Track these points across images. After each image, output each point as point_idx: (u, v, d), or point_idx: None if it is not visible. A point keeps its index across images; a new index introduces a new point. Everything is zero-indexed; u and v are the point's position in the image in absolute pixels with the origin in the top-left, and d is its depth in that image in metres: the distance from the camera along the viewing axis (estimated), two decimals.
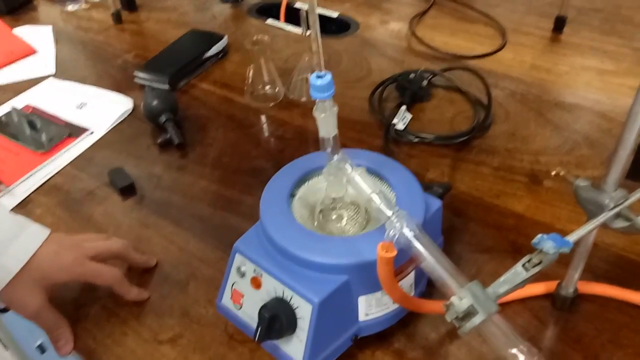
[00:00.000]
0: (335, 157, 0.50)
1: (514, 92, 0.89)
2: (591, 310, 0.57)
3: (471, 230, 0.67)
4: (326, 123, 0.48)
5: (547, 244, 0.41)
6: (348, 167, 0.49)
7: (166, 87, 0.93)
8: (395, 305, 0.54)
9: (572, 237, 0.44)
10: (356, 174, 0.48)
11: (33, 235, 0.57)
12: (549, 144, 0.78)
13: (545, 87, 0.90)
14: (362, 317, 0.53)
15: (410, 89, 0.87)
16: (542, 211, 0.69)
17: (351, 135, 0.83)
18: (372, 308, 0.53)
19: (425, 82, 0.87)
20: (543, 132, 0.81)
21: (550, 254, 0.41)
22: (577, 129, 0.81)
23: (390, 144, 0.80)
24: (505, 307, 0.58)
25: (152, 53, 1.03)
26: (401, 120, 0.83)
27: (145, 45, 1.10)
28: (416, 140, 0.80)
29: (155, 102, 0.84)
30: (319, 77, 0.44)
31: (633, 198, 0.48)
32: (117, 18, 1.16)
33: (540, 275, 0.60)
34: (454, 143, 0.79)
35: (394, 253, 0.44)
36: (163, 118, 0.83)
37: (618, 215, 0.48)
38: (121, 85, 0.98)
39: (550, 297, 0.58)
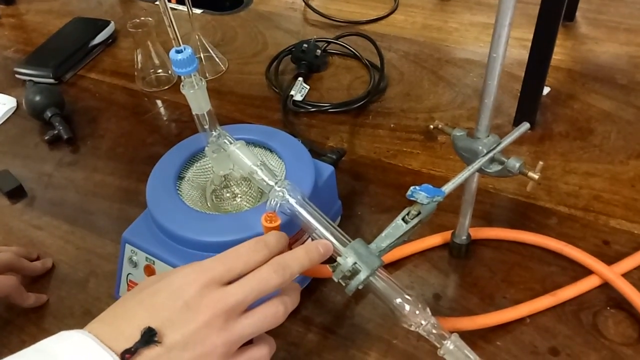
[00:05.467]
0: (214, 133, 0.49)
1: (407, 53, 0.90)
2: (485, 254, 0.60)
3: (371, 192, 0.68)
4: (197, 99, 0.46)
5: (420, 195, 0.42)
6: (227, 142, 0.48)
7: (51, 80, 0.88)
8: None
9: (446, 187, 0.45)
10: (235, 148, 0.47)
11: None
12: (442, 100, 0.81)
13: (436, 45, 0.92)
14: None
15: (306, 60, 0.86)
16: (438, 165, 0.71)
17: (250, 112, 0.82)
18: None
19: (319, 51, 0.87)
20: (436, 90, 0.83)
21: (425, 204, 0.42)
22: (467, 83, 0.83)
23: (290, 115, 0.80)
24: (406, 261, 0.60)
25: (34, 47, 0.97)
26: (298, 91, 0.82)
27: (27, 39, 1.03)
28: (314, 109, 0.80)
29: (38, 98, 0.79)
30: (178, 52, 0.43)
31: (504, 143, 0.50)
32: None
33: (437, 226, 0.62)
34: (351, 109, 0.80)
35: (278, 222, 0.44)
36: (49, 113, 0.79)
37: (492, 160, 0.49)
38: (2, 84, 0.91)
39: (447, 247, 0.61)
